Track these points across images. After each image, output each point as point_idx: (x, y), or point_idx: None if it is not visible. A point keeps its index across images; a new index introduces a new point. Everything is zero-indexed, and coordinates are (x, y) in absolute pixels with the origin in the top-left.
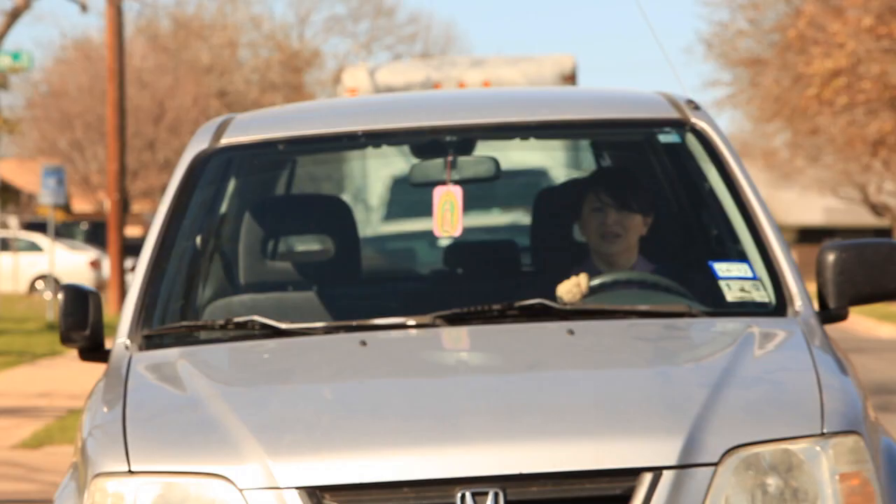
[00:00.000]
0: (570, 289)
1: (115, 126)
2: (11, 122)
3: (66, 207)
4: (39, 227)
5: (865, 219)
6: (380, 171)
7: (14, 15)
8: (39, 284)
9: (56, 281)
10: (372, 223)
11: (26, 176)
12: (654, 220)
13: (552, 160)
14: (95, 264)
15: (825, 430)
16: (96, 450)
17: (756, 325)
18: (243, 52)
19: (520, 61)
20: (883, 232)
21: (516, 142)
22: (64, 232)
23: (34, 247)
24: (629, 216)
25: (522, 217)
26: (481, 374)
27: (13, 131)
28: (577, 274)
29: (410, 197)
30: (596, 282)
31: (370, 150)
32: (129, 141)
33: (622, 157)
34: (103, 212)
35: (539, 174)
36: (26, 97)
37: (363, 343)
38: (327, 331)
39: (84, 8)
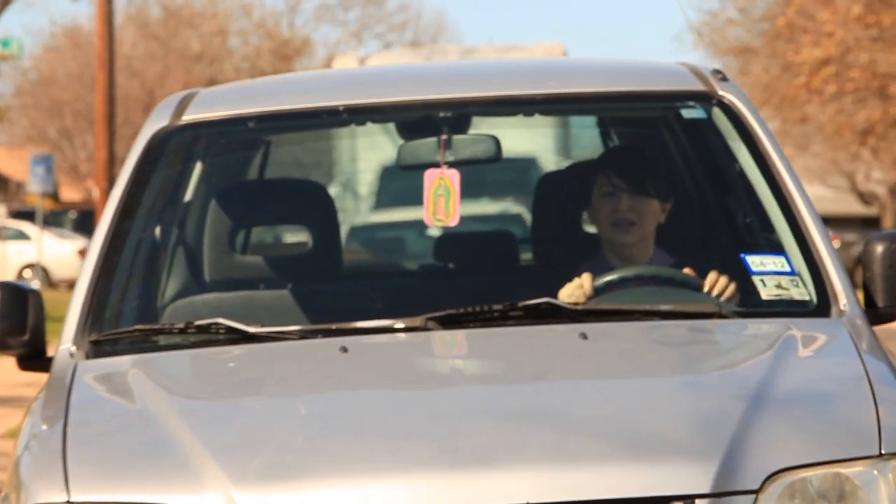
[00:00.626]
0: (573, 292)
1: (105, 114)
2: (0, 110)
3: (54, 196)
4: (27, 215)
5: (854, 207)
6: (370, 157)
7: (4, 2)
8: (27, 273)
9: (44, 270)
10: (361, 212)
11: (15, 164)
12: (675, 206)
13: (542, 147)
14: (83, 253)
15: (883, 451)
16: (32, 475)
17: (796, 327)
18: (233, 40)
19: (510, 50)
20: (871, 221)
21: (508, 125)
22: (52, 220)
23: (22, 235)
24: (645, 201)
25: (512, 206)
26: (481, 387)
27: (2, 119)
28: (587, 269)
29: (403, 184)
30: (601, 281)
31: (355, 130)
32: (119, 129)
33: (636, 136)
34: (92, 200)
35: (528, 162)
36: (15, 85)
37: (344, 349)
38: (303, 335)
39: None
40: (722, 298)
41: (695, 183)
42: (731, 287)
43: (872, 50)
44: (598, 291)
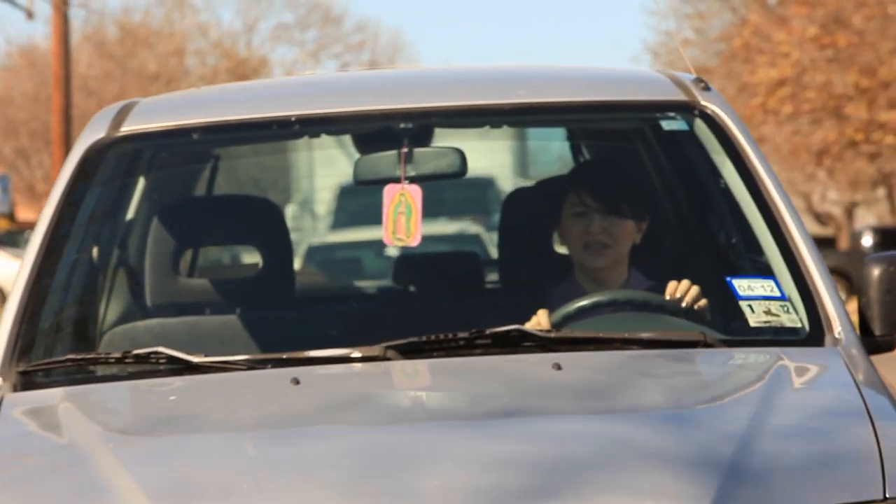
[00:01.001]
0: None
1: (61, 134)
2: None
3: (10, 216)
4: None
5: (810, 227)
6: (329, 174)
7: None
8: None
9: (0, 291)
10: (319, 232)
11: None
12: (652, 225)
13: (500, 166)
14: None
15: (888, 495)
16: None
17: (787, 357)
18: (190, 60)
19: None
20: (827, 241)
21: (467, 140)
22: (8, 240)
23: None
24: (619, 222)
25: (470, 226)
26: (446, 424)
27: None
28: (557, 293)
29: (363, 202)
30: (558, 316)
31: (311, 145)
32: None
33: (610, 150)
34: None
35: (486, 182)
36: None
37: (296, 381)
38: (251, 365)
39: (30, 15)
40: (685, 303)
41: (674, 200)
42: (693, 290)
43: (828, 71)
44: (556, 327)
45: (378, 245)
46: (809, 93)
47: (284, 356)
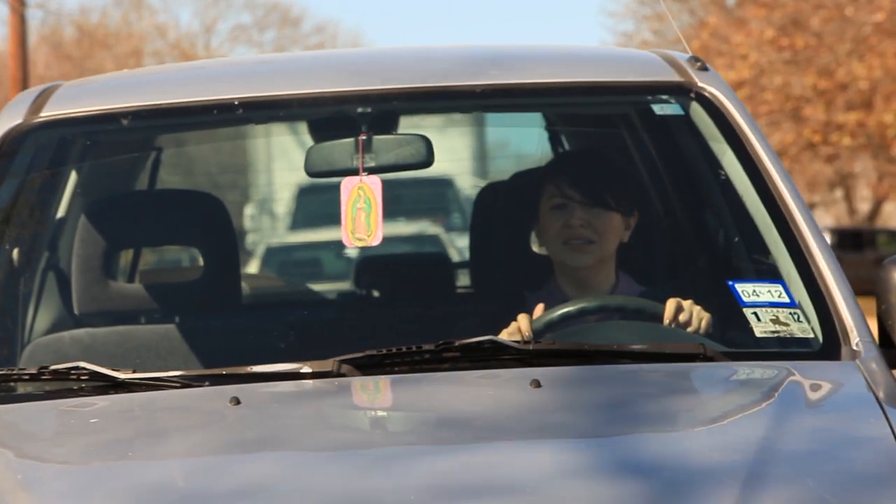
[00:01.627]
0: (513, 334)
1: None
2: None
3: None
4: None
5: None
6: (285, 172)
7: None
8: None
9: None
10: (278, 232)
11: None
12: (642, 222)
13: (459, 167)
14: None
15: None
16: None
17: (799, 373)
18: (148, 60)
19: None
20: None
21: (433, 133)
22: None
23: None
24: (603, 214)
25: (429, 227)
26: (408, 451)
27: None
28: (537, 299)
29: (322, 203)
30: (541, 322)
31: (268, 142)
32: None
33: (594, 138)
34: None
35: (445, 182)
36: None
37: (236, 401)
38: (185, 382)
39: None
40: (693, 329)
41: (668, 195)
42: (704, 318)
43: (786, 73)
44: (538, 334)
45: (338, 245)
46: (767, 94)
47: (224, 372)
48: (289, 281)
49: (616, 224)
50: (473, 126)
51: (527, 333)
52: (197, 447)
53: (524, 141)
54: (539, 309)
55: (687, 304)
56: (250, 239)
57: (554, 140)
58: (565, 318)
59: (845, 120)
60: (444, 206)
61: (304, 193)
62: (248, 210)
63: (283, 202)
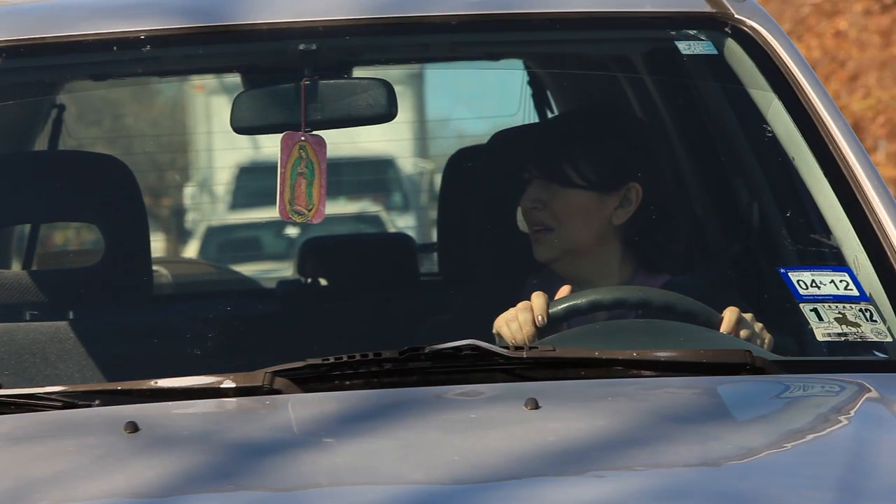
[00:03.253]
0: (514, 324)
1: None
2: None
3: None
4: None
5: None
6: (227, 156)
7: None
8: None
9: None
10: (218, 213)
11: None
12: (656, 195)
13: (399, 146)
14: None
15: None
16: None
17: (876, 388)
18: None
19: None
20: None
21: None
22: None
23: None
24: (561, 194)
25: (370, 206)
26: (361, 495)
27: None
28: (534, 288)
29: (264, 183)
30: (560, 307)
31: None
32: None
33: (598, 87)
34: None
35: (385, 162)
36: None
37: (132, 428)
38: (68, 401)
39: None
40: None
41: (695, 158)
42: (768, 339)
43: None
44: (552, 321)
45: (279, 225)
46: None
47: (119, 387)
48: (218, 266)
49: (583, 204)
50: (415, 87)
51: (541, 318)
52: (75, 493)
53: (467, 118)
54: (565, 290)
55: (748, 317)
56: (192, 218)
57: (537, 93)
58: (572, 312)
59: None
60: (384, 185)
61: (244, 173)
62: (189, 191)
63: (224, 184)
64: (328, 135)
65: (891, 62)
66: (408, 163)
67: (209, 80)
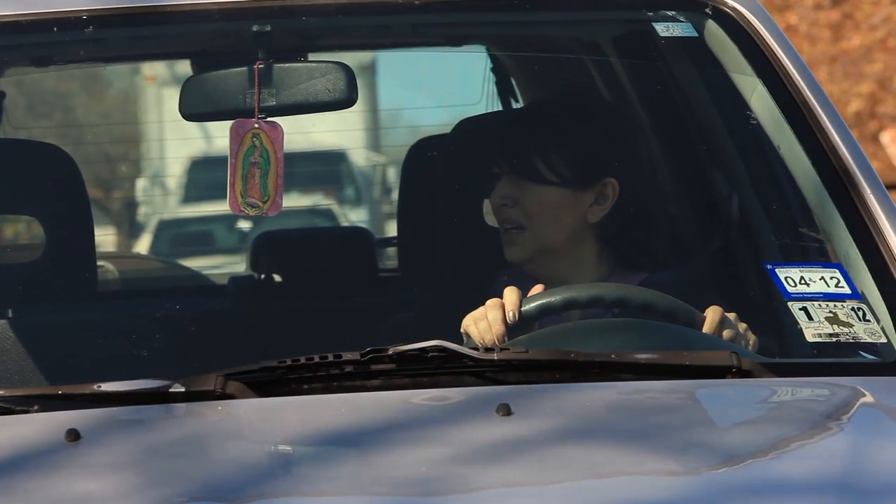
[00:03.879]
0: (480, 319)
1: None
2: None
3: None
4: None
5: None
6: (179, 149)
7: None
8: None
9: None
10: (171, 206)
11: None
12: (632, 189)
13: (350, 139)
14: None
15: None
16: None
17: (871, 393)
18: None
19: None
20: None
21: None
22: None
23: None
24: (532, 191)
25: (322, 200)
26: None
27: None
28: (505, 285)
29: (217, 176)
30: (536, 303)
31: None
32: None
33: (569, 73)
34: None
35: (337, 156)
36: None
37: (75, 436)
38: (4, 407)
39: None
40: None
41: (674, 148)
42: (752, 339)
43: None
44: (524, 320)
45: (233, 218)
46: None
47: (60, 391)
48: (168, 262)
49: (556, 202)
50: (370, 75)
51: (512, 314)
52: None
53: (426, 107)
54: (538, 288)
55: (732, 316)
56: (143, 211)
57: (501, 82)
58: (545, 311)
59: None
60: (337, 179)
61: (197, 166)
62: (141, 183)
63: (176, 176)
64: (280, 123)
65: (841, 56)
66: (360, 155)
67: (161, 71)
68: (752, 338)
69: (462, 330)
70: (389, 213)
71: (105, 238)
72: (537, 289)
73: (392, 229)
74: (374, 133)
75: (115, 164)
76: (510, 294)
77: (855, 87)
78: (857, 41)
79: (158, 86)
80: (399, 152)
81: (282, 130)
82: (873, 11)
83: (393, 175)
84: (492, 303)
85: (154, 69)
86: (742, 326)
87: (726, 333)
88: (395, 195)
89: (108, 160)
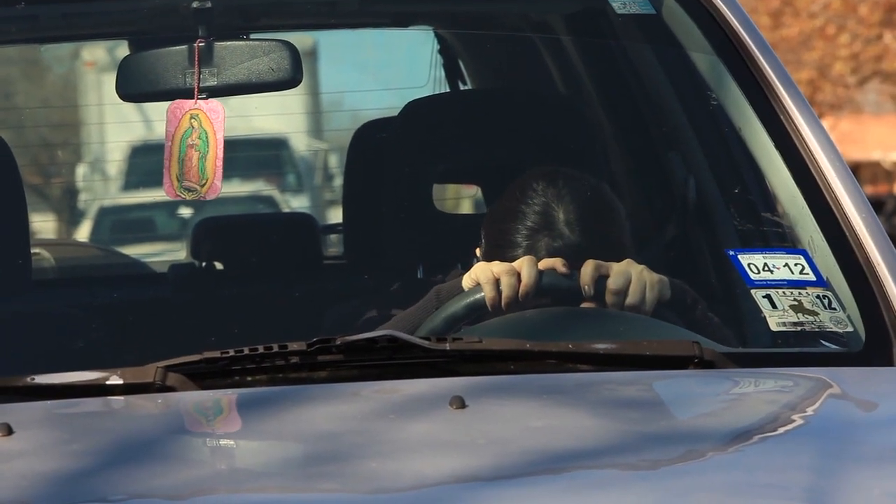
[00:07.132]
0: (489, 282)
1: None
2: None
3: None
4: None
5: None
6: (119, 134)
7: None
8: None
9: None
10: (111, 193)
11: None
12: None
13: (291, 125)
14: None
15: None
16: None
17: (838, 384)
18: None
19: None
20: None
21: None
22: None
23: None
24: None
25: (263, 187)
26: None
27: None
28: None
29: (157, 163)
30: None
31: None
32: None
33: (520, 57)
34: None
35: (278, 142)
36: None
37: (6, 431)
38: None
39: None
40: (628, 302)
41: (634, 130)
42: (651, 281)
43: None
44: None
45: (174, 205)
46: None
47: None
48: (106, 249)
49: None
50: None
51: (529, 280)
52: None
53: (363, 93)
54: (555, 262)
55: (621, 265)
56: (84, 198)
57: (449, 67)
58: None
59: None
60: (278, 166)
61: (137, 152)
62: (81, 170)
63: (117, 163)
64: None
65: (781, 44)
66: (302, 140)
67: (100, 55)
68: (651, 279)
69: (469, 279)
70: (331, 200)
71: (44, 225)
72: (552, 262)
73: (334, 216)
74: (316, 118)
75: (54, 150)
76: (527, 262)
77: (794, 74)
78: (797, 29)
79: (98, 71)
80: (342, 137)
81: (223, 110)
82: None
83: (335, 161)
84: (509, 268)
85: (94, 54)
86: (637, 269)
87: (613, 283)
88: (337, 182)
89: (46, 146)
